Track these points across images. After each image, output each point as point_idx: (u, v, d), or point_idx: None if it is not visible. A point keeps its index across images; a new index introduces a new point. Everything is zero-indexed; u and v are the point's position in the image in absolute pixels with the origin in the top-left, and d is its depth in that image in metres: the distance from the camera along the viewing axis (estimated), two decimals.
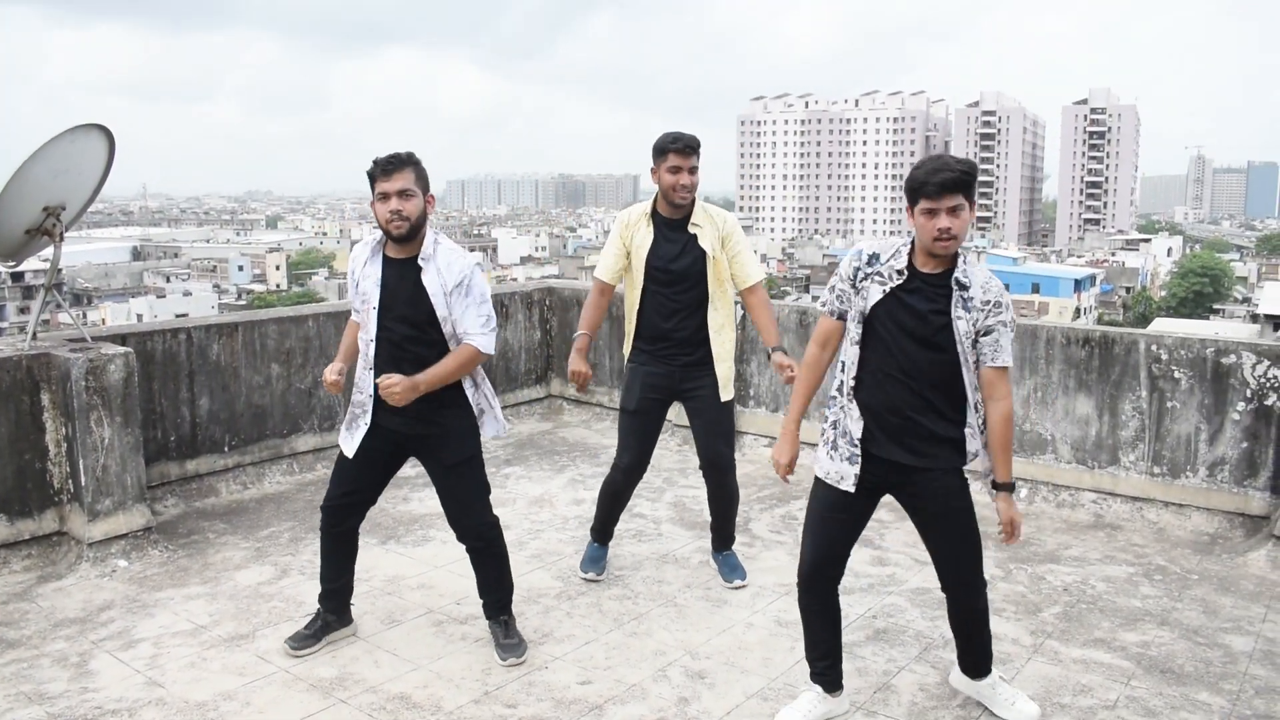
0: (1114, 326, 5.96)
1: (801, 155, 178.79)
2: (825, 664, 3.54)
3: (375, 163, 3.65)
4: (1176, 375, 5.44)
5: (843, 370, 3.35)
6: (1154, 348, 5.50)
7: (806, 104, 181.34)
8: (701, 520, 5.54)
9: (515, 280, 20.76)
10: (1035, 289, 72.98)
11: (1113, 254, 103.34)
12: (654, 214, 4.44)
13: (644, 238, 4.42)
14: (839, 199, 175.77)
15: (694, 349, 4.44)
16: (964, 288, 3.19)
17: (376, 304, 3.71)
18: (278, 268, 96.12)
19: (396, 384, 3.57)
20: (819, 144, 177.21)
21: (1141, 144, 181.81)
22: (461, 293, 3.69)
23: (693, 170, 4.29)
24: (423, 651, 4.01)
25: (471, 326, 3.70)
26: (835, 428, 3.38)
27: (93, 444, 4.81)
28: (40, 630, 4.17)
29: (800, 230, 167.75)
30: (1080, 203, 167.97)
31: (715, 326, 4.45)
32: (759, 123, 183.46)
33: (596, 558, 4.79)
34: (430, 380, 3.65)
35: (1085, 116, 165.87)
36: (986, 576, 3.39)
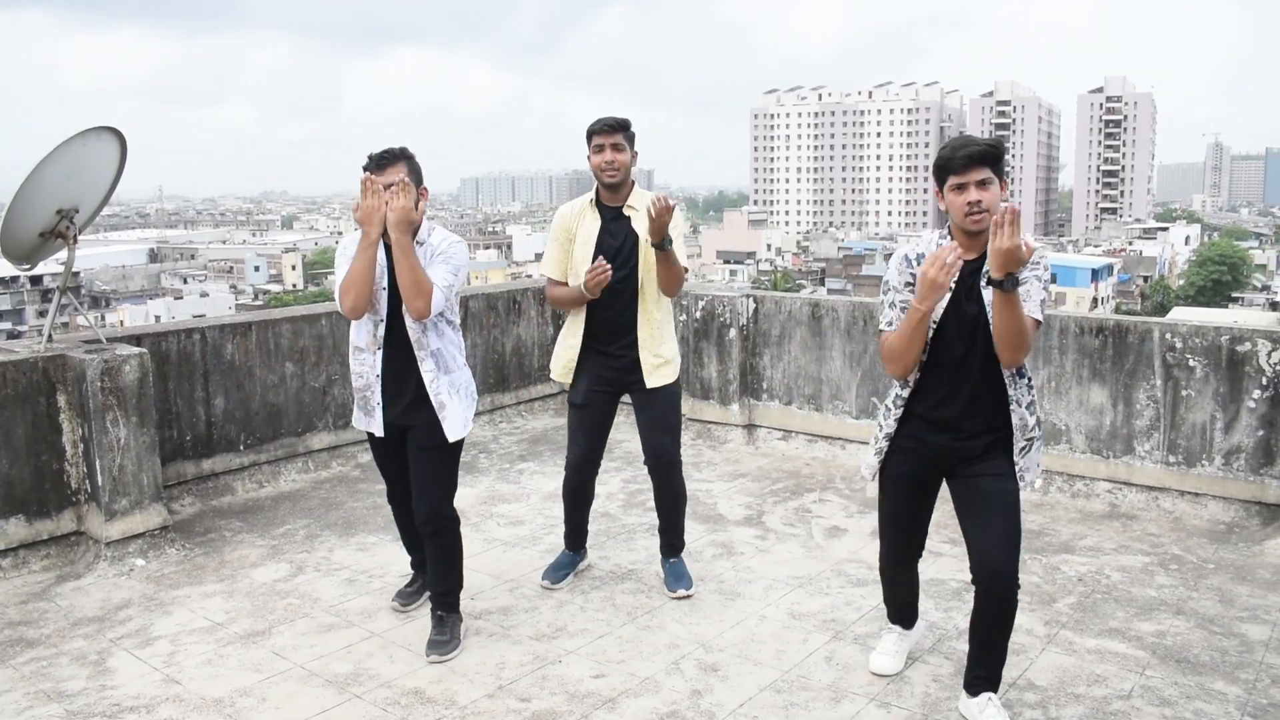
0: (1130, 316, 5.93)
1: (815, 148, 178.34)
2: (907, 610, 3.82)
3: (370, 158, 3.78)
4: (1191, 363, 5.41)
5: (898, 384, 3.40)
6: (1168, 336, 5.47)
7: (820, 96, 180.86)
8: (715, 514, 5.55)
9: (530, 277, 20.83)
10: (1052, 279, 72.18)
11: (1130, 243, 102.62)
12: (598, 204, 4.36)
13: (590, 227, 4.34)
14: (854, 191, 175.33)
15: (636, 339, 4.36)
16: None
17: (387, 285, 3.81)
18: (294, 268, 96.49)
19: (400, 202, 3.64)
20: (833, 136, 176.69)
21: (1158, 132, 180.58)
22: (444, 259, 3.80)
23: (618, 147, 4.21)
24: None
25: (436, 279, 3.75)
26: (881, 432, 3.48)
27: (109, 444, 4.85)
28: (59, 629, 4.21)
29: (815, 223, 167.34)
30: (1097, 192, 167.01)
31: (646, 313, 4.34)
32: (772, 116, 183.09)
33: (560, 565, 4.68)
34: (408, 250, 3.66)
35: (1101, 105, 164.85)
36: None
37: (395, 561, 4.86)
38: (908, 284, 3.27)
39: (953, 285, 3.14)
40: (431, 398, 3.86)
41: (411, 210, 3.66)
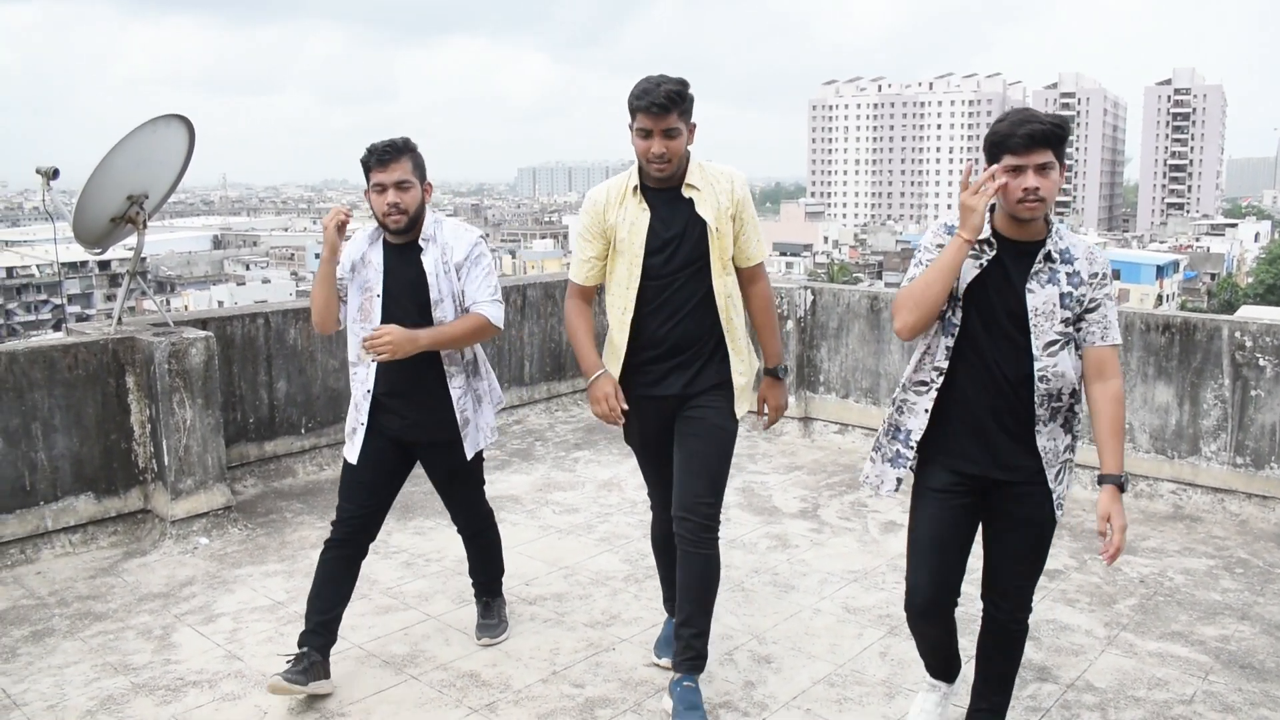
0: (1198, 313, 5.79)
1: (874, 140, 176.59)
2: (948, 662, 3.23)
3: (370, 151, 3.46)
4: (1261, 363, 5.28)
5: (921, 361, 2.95)
6: (1238, 334, 5.34)
7: (879, 87, 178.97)
8: (770, 506, 5.53)
9: None
10: (1116, 275, 70.09)
11: (1197, 239, 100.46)
12: (642, 186, 3.34)
13: (635, 217, 3.31)
14: (913, 184, 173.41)
15: (702, 355, 3.38)
16: (1053, 260, 2.81)
17: (381, 291, 3.54)
18: None
19: (387, 333, 3.36)
20: (892, 128, 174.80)
21: (1228, 125, 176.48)
22: (470, 264, 3.56)
23: (670, 134, 3.16)
24: None
25: (480, 294, 3.55)
26: (894, 427, 3.04)
27: (175, 425, 4.96)
28: (126, 604, 4.32)
29: (873, 216, 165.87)
30: (1163, 186, 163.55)
31: (726, 321, 3.39)
32: (830, 107, 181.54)
33: (670, 637, 3.71)
34: (434, 339, 3.46)
35: (1169, 98, 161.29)
36: (1060, 566, 3.31)
37: (451, 545, 4.91)
38: (939, 246, 2.88)
39: (984, 258, 2.81)
40: (456, 414, 3.62)
41: (408, 344, 3.40)
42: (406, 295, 3.54)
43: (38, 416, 4.77)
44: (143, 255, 5.36)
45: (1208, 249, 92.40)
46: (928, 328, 2.88)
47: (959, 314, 2.86)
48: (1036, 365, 2.82)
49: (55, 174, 5.13)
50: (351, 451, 3.65)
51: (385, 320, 3.50)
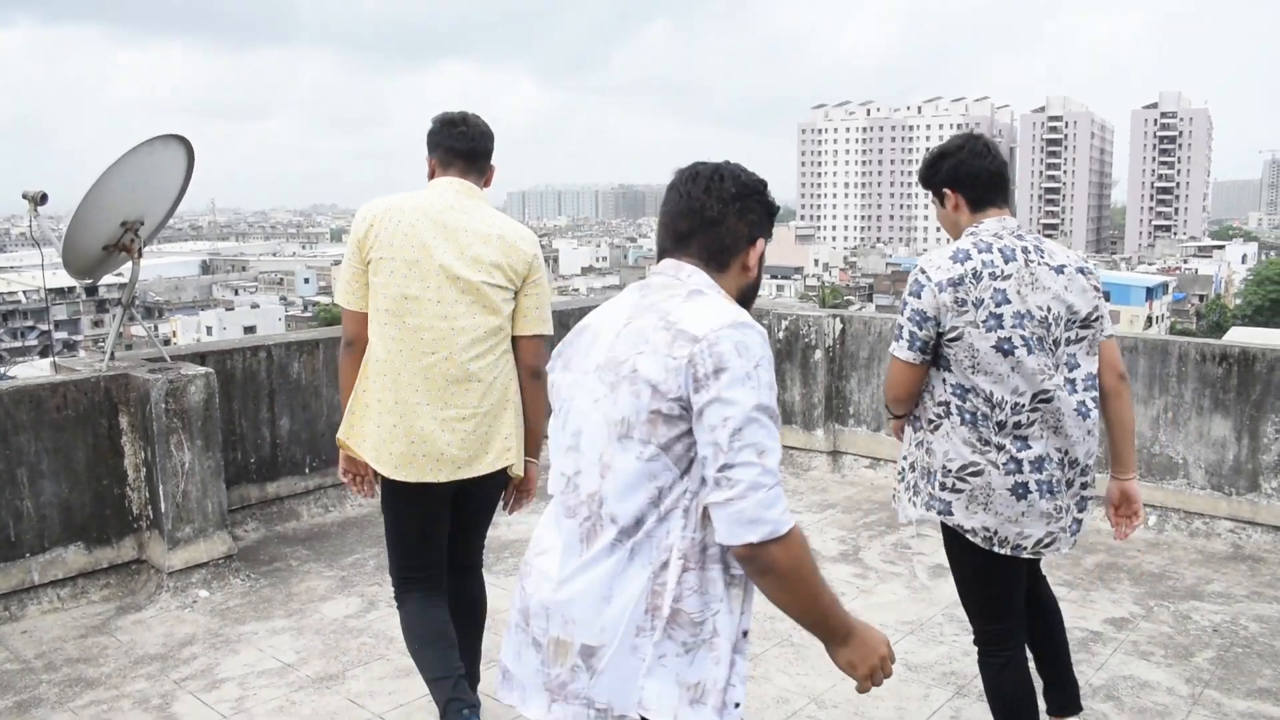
0: (1257, 343, 5.48)
1: (864, 163, 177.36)
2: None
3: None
4: None
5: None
6: None
7: (868, 111, 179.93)
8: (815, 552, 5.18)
9: (578, 291, 20.64)
10: (1106, 297, 71.07)
11: (1185, 261, 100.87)
12: None
13: None
14: (902, 207, 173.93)
15: None
16: None
17: None
18: None
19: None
20: (881, 151, 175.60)
21: (1214, 148, 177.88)
22: None
23: None
24: None
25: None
26: None
27: (173, 469, 4.60)
28: (120, 668, 3.95)
29: (863, 239, 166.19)
30: (1150, 209, 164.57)
31: None
32: (820, 131, 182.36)
33: None
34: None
35: (1155, 121, 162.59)
36: (1126, 614, 3.03)
37: None
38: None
39: None
40: None
41: None
42: None
43: (24, 461, 4.41)
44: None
45: (1196, 271, 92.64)
46: None
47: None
48: None
49: (43, 199, 4.78)
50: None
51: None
